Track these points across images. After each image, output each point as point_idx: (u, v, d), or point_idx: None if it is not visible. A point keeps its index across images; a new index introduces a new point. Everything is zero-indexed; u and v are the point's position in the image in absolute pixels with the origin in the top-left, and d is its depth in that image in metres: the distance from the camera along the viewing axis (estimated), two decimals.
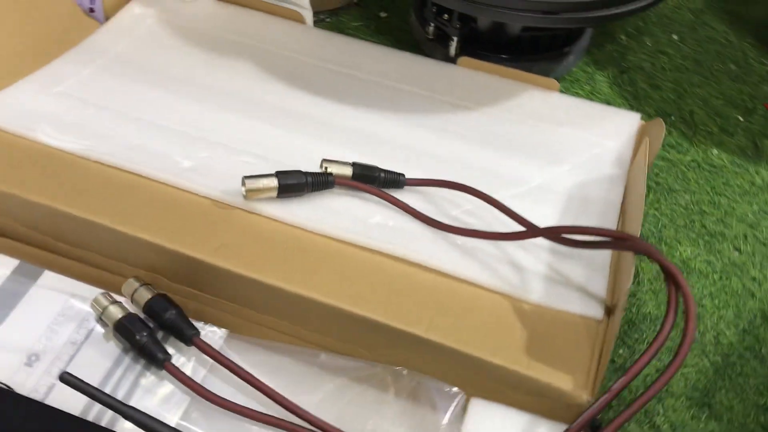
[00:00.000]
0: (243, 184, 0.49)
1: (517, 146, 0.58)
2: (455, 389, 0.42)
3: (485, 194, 0.51)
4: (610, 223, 0.52)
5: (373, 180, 0.52)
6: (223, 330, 0.46)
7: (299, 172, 0.50)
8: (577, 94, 0.68)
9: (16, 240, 0.50)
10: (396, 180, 0.53)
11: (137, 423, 0.39)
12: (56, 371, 0.44)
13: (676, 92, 0.70)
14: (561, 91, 0.63)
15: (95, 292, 0.47)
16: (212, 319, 0.47)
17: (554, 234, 0.48)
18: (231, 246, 0.46)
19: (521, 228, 0.49)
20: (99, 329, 0.46)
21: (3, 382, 0.43)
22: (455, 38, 0.64)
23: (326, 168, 0.51)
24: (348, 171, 0.52)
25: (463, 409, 0.42)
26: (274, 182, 0.49)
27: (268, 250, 0.46)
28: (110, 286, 0.47)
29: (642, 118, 0.60)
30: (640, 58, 0.73)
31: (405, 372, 0.43)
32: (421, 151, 0.57)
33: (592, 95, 0.69)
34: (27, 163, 0.50)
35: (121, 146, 0.52)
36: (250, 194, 0.49)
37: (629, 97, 0.69)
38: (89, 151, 0.52)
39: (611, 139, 0.59)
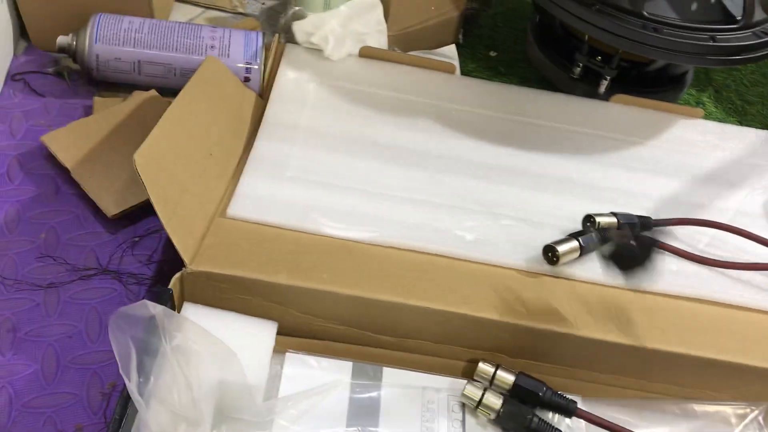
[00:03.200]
0: (548, 251, 0.51)
1: (696, 176, 0.64)
2: None
3: (738, 228, 0.56)
4: None
5: (633, 228, 0.56)
6: (578, 396, 0.48)
7: (590, 232, 0.52)
8: None
9: (342, 341, 0.48)
10: (647, 223, 0.56)
11: None
12: None
13: (765, 105, 0.79)
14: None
15: (438, 380, 0.47)
16: (558, 387, 0.48)
17: None
18: (573, 313, 0.48)
19: None
20: (471, 418, 0.46)
21: None
22: (608, 77, 0.69)
23: (599, 223, 0.54)
24: (614, 221, 0.55)
25: None
26: (575, 244, 0.51)
27: (601, 312, 0.48)
28: (443, 371, 0.48)
29: None
30: (722, 77, 0.82)
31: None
32: (621, 190, 0.60)
33: (708, 117, 0.76)
34: (333, 256, 0.48)
35: (405, 227, 0.52)
36: (563, 257, 0.50)
37: (735, 114, 0.77)
38: (381, 238, 0.50)
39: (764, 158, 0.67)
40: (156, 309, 0.36)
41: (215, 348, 0.40)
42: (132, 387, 0.33)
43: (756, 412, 0.47)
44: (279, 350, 0.47)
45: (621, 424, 0.45)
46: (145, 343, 0.35)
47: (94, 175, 0.56)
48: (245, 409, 0.42)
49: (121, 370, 0.34)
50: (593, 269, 0.52)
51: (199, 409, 0.39)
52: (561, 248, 0.51)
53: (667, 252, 0.55)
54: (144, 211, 0.55)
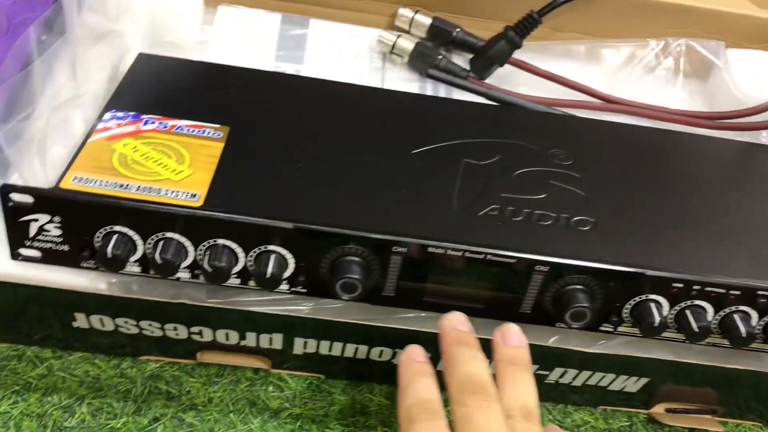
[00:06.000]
0: None
1: None
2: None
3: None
4: None
5: None
6: None
7: None
8: None
9: None
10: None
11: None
12: None
13: None
14: None
15: (363, 30, 0.51)
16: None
17: None
18: None
19: None
20: (388, 63, 0.50)
21: None
22: None
23: None
24: None
25: None
26: None
27: None
28: (368, 24, 0.52)
29: None
30: None
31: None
32: None
33: None
34: None
35: None
36: None
37: None
38: None
39: None
40: None
41: None
42: None
43: (661, 44, 0.52)
44: (211, 4, 0.50)
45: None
46: None
47: None
48: (179, 32, 0.46)
49: None
50: None
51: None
52: None
53: None
54: None
